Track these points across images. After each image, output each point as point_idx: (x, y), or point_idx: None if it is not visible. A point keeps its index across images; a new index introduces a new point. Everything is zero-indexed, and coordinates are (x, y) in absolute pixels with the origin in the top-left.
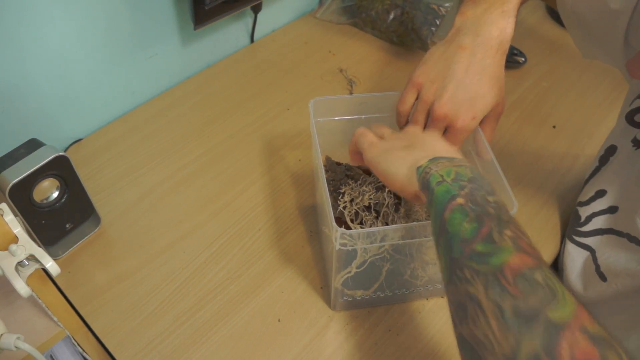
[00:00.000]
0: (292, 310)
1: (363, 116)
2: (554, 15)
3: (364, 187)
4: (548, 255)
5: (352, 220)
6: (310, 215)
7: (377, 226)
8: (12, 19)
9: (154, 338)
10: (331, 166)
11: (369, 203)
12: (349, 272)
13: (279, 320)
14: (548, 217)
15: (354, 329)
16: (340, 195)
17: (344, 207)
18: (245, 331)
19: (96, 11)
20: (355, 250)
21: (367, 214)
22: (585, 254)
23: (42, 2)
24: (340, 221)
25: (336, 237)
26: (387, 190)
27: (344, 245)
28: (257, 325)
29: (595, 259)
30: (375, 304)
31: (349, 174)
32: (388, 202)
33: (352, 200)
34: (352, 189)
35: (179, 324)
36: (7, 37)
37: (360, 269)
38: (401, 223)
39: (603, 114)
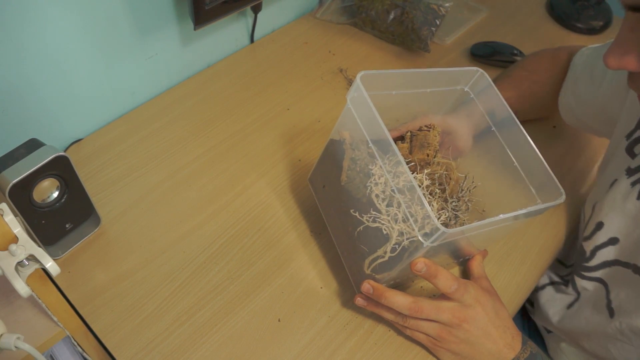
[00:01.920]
0: (292, 310)
1: (394, 92)
2: (554, 15)
3: (399, 169)
4: (548, 256)
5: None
6: (310, 215)
7: (413, 208)
8: (13, 19)
9: (154, 338)
10: (356, 144)
11: (403, 185)
12: (383, 256)
13: (279, 320)
14: (548, 217)
15: (354, 329)
16: (372, 177)
17: (370, 191)
18: (245, 331)
19: (96, 11)
20: (387, 235)
21: (401, 196)
22: (599, 287)
23: (42, 2)
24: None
25: (433, 238)
26: (425, 172)
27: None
28: (257, 325)
29: (608, 294)
30: (396, 287)
31: (370, 152)
32: (424, 185)
33: (384, 182)
34: (381, 168)
35: (179, 324)
36: (7, 37)
37: (394, 254)
38: (436, 204)
39: None
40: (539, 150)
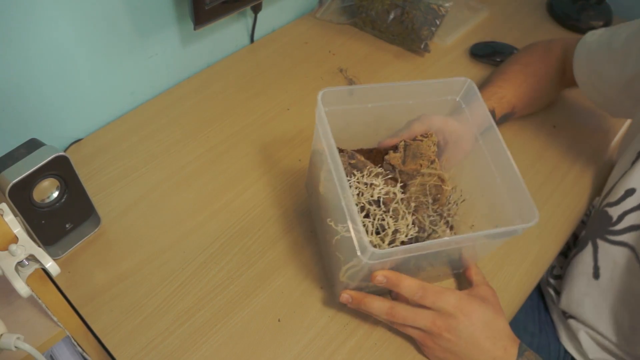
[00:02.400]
0: (292, 310)
1: (369, 105)
2: (554, 15)
3: (375, 181)
4: (548, 256)
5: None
6: (310, 214)
7: (386, 221)
8: (13, 19)
9: (154, 338)
10: None
11: (378, 197)
12: (356, 266)
13: (279, 320)
14: (548, 217)
15: (354, 329)
16: (350, 189)
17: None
18: (245, 331)
19: (96, 11)
20: None
21: (377, 208)
22: (625, 251)
23: (42, 3)
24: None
25: (368, 257)
26: (398, 185)
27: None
28: (257, 325)
29: (637, 256)
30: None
31: (351, 162)
32: (398, 198)
33: (359, 194)
34: (358, 180)
35: (179, 324)
36: (7, 37)
37: None
38: (410, 218)
39: (604, 113)
40: (539, 150)
